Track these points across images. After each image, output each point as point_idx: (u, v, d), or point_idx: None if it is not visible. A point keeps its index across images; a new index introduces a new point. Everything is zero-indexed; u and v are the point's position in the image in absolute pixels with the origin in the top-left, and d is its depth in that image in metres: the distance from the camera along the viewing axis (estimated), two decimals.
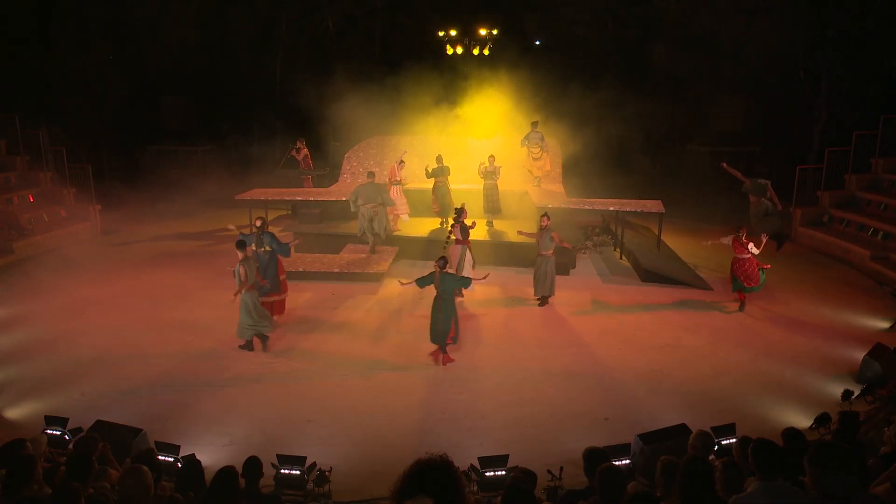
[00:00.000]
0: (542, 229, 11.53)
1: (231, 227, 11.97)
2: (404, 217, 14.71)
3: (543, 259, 11.54)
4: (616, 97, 22.06)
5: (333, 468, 6.66)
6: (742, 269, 11.33)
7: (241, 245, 9.41)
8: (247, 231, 11.11)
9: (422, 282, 9.51)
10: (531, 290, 12.02)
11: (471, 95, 18.38)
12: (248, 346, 9.71)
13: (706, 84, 22.12)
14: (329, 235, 14.57)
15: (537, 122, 15.83)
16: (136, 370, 9.13)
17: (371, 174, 13.89)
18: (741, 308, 11.52)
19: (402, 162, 14.72)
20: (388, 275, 13.06)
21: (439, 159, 14.65)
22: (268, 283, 10.21)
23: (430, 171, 14.65)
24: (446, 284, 9.33)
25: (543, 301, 11.74)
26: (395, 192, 14.33)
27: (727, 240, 11.55)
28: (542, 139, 15.67)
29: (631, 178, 21.17)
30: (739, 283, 11.42)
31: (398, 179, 14.50)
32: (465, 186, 15.42)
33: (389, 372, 9.18)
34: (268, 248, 10.45)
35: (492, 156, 14.53)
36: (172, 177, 19.75)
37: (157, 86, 23.22)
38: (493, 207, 14.46)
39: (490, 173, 14.30)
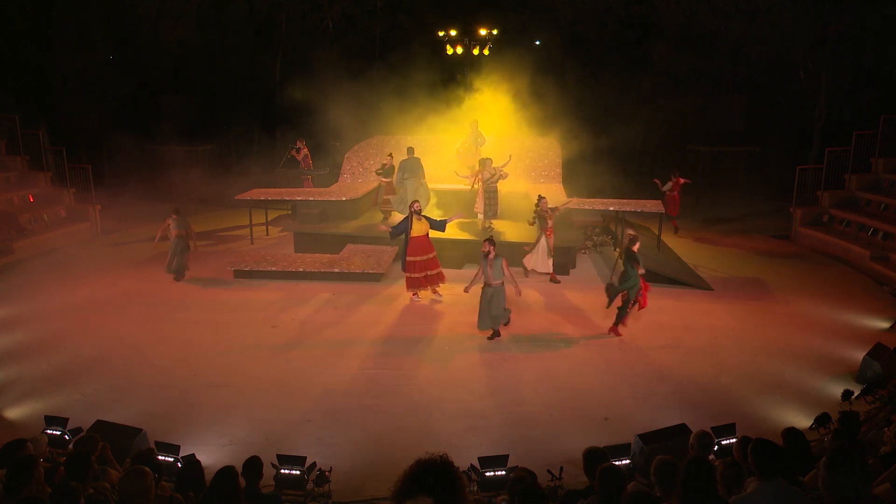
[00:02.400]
0: (485, 257, 9.73)
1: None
2: (480, 216, 14.08)
3: (491, 290, 9.82)
4: (616, 97, 22.08)
5: (333, 468, 6.66)
6: (673, 202, 16.13)
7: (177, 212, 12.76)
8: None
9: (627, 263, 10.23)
10: (532, 290, 12.02)
11: (470, 95, 18.39)
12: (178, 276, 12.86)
13: (706, 84, 22.14)
14: (329, 235, 14.56)
15: (475, 121, 16.32)
16: (136, 370, 9.14)
17: (410, 149, 14.86)
18: (676, 231, 16.35)
19: (488, 160, 14.03)
20: (387, 275, 13.06)
21: (410, 151, 15.01)
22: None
23: (385, 167, 15.10)
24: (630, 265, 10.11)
25: (495, 334, 10.19)
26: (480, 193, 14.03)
27: (669, 186, 16.19)
28: (479, 136, 16.24)
29: (631, 177, 21.17)
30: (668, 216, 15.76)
31: (484, 180, 13.84)
32: (461, 186, 15.43)
33: (389, 372, 9.17)
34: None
35: (488, 159, 14.10)
36: (172, 176, 19.75)
37: (157, 86, 23.23)
38: (492, 211, 14.24)
39: (489, 179, 13.88)
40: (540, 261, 12.67)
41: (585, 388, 8.69)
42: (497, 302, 9.86)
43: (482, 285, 9.94)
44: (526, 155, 17.12)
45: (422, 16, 23.80)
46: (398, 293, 12.32)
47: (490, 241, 9.80)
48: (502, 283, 9.82)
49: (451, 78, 21.33)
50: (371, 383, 8.84)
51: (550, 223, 12.51)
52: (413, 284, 11.70)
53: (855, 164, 16.57)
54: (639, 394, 8.56)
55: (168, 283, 12.75)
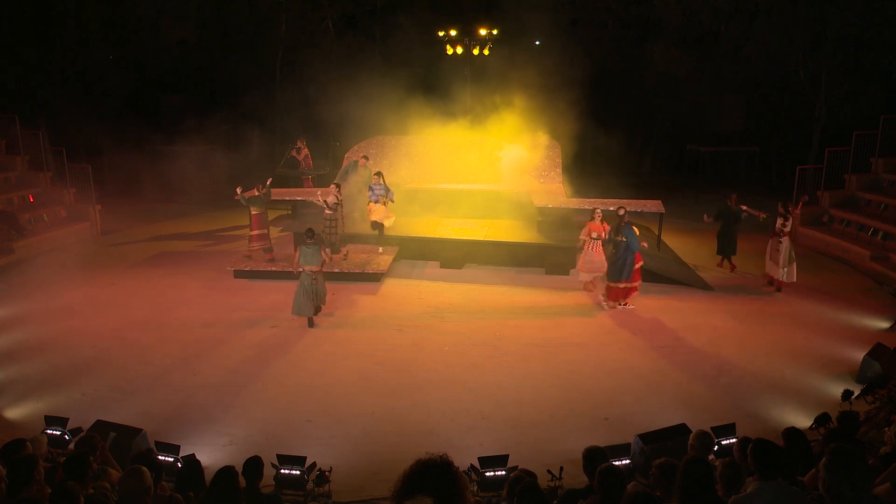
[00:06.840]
0: (304, 246, 10.48)
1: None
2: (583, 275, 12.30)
3: (307, 275, 10.46)
4: (616, 97, 22.05)
5: (333, 468, 6.66)
6: None
7: None
8: None
9: None
10: (531, 291, 12.00)
11: (470, 95, 18.38)
12: None
13: (706, 84, 22.13)
14: None
15: (380, 173, 13.77)
16: (136, 370, 9.14)
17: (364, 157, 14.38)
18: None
19: (597, 211, 12.00)
20: (388, 275, 13.05)
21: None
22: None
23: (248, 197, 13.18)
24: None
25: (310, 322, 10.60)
26: (594, 249, 11.88)
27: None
28: (387, 191, 13.52)
29: (631, 177, 21.16)
30: None
31: (600, 235, 11.79)
32: (461, 186, 15.46)
33: (389, 372, 9.18)
34: (624, 239, 11.42)
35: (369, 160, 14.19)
36: (172, 177, 19.73)
37: (157, 85, 23.21)
38: (328, 242, 12.65)
39: (333, 204, 12.90)
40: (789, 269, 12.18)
41: (585, 388, 8.70)
42: (321, 286, 10.71)
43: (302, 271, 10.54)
44: (526, 154, 17.09)
45: (422, 16, 23.78)
46: (398, 293, 12.32)
47: (310, 230, 10.72)
48: (320, 268, 10.62)
49: (450, 78, 21.29)
50: (371, 383, 8.84)
51: (787, 228, 12.17)
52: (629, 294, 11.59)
53: (855, 164, 16.56)
54: (639, 394, 8.56)
55: (168, 283, 12.75)
